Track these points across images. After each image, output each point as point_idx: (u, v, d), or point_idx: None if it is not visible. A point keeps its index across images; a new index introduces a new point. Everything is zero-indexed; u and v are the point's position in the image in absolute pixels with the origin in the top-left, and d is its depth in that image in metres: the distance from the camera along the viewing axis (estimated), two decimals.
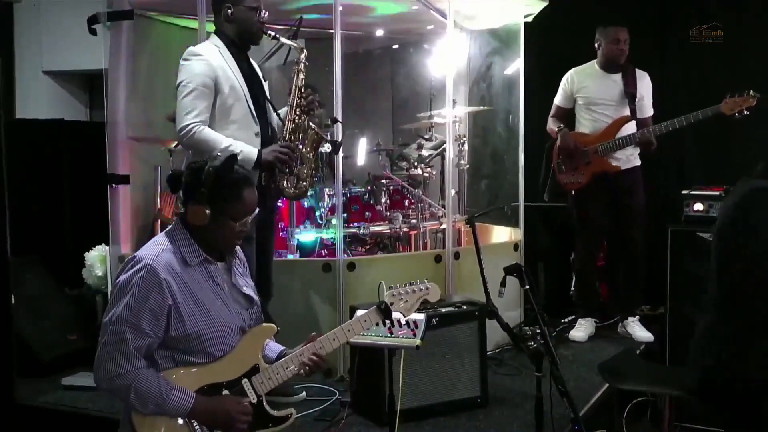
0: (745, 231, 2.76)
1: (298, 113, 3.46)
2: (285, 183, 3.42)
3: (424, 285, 2.54)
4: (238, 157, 3.12)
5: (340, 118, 3.89)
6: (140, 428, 2.26)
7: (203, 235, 2.37)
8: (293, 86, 3.47)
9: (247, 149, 3.27)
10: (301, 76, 3.48)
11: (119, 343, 2.22)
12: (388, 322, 2.68)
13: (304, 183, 3.46)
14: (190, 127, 3.21)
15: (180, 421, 2.28)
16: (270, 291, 3.59)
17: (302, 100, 3.46)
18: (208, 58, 3.29)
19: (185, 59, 3.30)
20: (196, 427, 2.29)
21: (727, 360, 2.72)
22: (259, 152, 3.30)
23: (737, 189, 2.91)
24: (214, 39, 3.39)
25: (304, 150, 3.46)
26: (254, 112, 3.38)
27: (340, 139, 3.80)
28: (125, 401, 2.26)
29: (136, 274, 2.25)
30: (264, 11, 3.41)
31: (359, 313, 2.51)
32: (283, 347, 2.55)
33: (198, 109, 3.22)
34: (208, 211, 2.31)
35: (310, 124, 3.50)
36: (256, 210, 2.44)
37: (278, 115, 3.57)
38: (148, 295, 2.23)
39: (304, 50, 3.53)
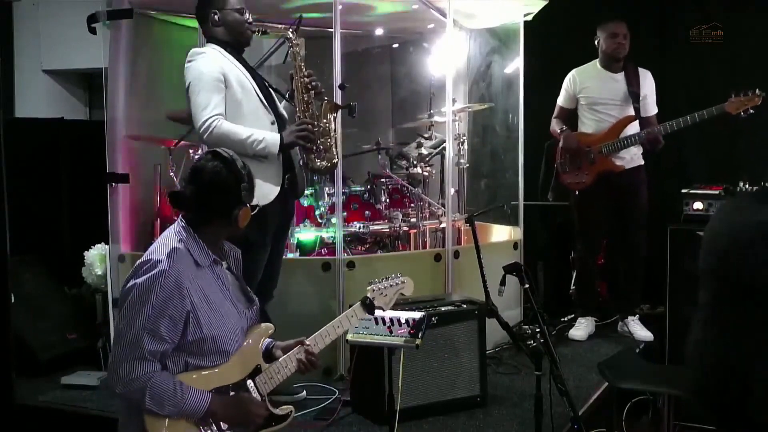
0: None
1: (304, 92, 3.47)
2: (313, 158, 3.44)
3: (399, 279, 2.63)
4: (262, 145, 3.21)
5: (339, 118, 3.88)
6: (151, 429, 2.25)
7: (223, 232, 2.41)
8: (295, 68, 3.48)
9: (270, 136, 3.29)
10: (299, 57, 3.49)
11: (135, 348, 2.20)
12: (387, 321, 2.70)
13: (331, 154, 3.48)
14: (210, 122, 3.21)
15: (191, 422, 2.28)
16: (272, 293, 3.59)
17: (305, 78, 3.46)
18: (211, 55, 3.32)
19: (190, 60, 3.31)
20: (205, 429, 2.29)
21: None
22: (281, 136, 3.33)
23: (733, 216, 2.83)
24: (209, 44, 3.42)
25: (323, 122, 3.47)
26: (266, 103, 3.40)
27: (353, 103, 3.76)
28: (140, 404, 2.23)
29: (155, 279, 2.22)
30: (247, 11, 3.44)
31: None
32: (271, 339, 2.57)
33: (213, 102, 3.23)
34: (250, 208, 2.39)
35: (323, 97, 3.52)
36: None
37: (287, 99, 3.58)
38: (167, 301, 2.22)
39: (295, 32, 3.52)
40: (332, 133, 3.50)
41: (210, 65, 3.28)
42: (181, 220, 2.40)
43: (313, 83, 3.47)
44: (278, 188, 3.35)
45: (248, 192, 2.39)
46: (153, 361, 2.23)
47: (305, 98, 3.46)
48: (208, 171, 2.36)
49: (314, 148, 3.42)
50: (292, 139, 3.34)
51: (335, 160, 3.52)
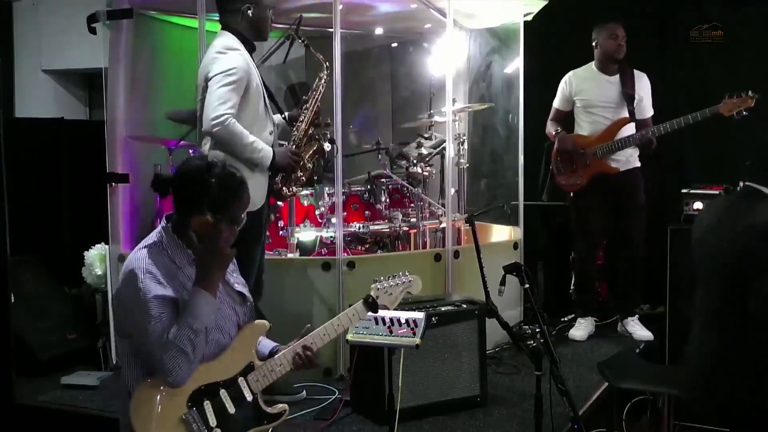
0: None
1: (309, 125, 3.58)
2: (280, 184, 3.53)
3: (406, 277, 2.59)
4: (260, 154, 3.28)
5: (339, 117, 3.92)
6: (138, 428, 2.26)
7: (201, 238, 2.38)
8: (313, 97, 3.59)
9: (266, 149, 3.35)
10: (321, 88, 3.61)
11: (159, 339, 2.23)
12: (387, 321, 2.70)
13: (296, 187, 3.61)
14: (225, 117, 3.21)
15: (178, 421, 2.28)
16: (262, 290, 3.60)
17: (317, 115, 3.60)
18: (245, 56, 3.33)
19: (221, 51, 3.30)
20: (194, 427, 2.29)
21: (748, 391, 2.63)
22: (274, 153, 3.37)
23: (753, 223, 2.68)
24: (230, 35, 3.39)
25: (304, 158, 3.59)
26: (269, 112, 3.45)
27: (334, 156, 3.93)
28: (196, 353, 2.26)
29: (135, 284, 2.25)
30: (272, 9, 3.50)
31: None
32: (276, 344, 2.57)
33: (233, 101, 3.24)
34: (212, 219, 2.32)
35: (317, 136, 3.65)
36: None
37: (284, 118, 3.63)
38: (151, 292, 2.24)
39: (329, 67, 3.66)
40: (306, 172, 3.62)
41: (242, 65, 3.28)
42: (164, 221, 2.42)
43: (320, 119, 3.61)
44: (263, 202, 3.42)
45: (215, 204, 2.31)
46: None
47: (308, 130, 3.57)
48: (188, 166, 2.41)
49: (290, 176, 3.52)
50: (284, 162, 3.44)
51: (294, 193, 3.66)
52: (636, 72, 4.61)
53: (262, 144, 3.32)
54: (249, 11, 3.37)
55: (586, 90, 4.64)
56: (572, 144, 4.60)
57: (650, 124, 4.56)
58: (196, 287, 2.29)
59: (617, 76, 4.59)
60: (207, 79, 3.27)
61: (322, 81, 3.63)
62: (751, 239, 2.54)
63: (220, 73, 3.24)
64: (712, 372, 2.67)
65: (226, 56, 3.28)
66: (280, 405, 2.47)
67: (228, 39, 3.37)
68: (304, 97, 3.63)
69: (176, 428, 2.28)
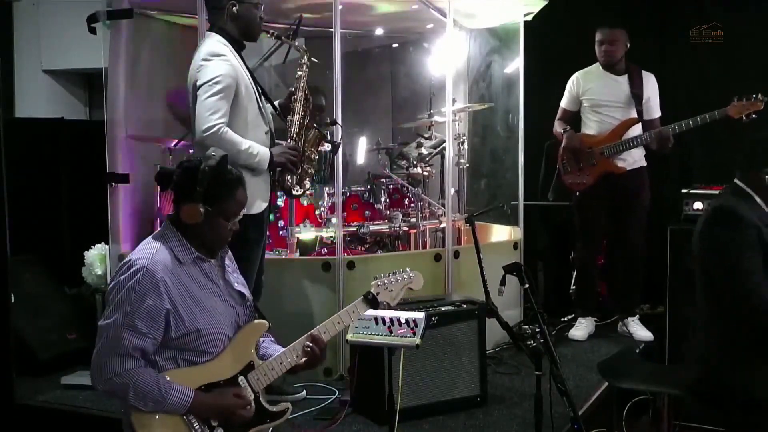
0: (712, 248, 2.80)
1: (302, 114, 3.52)
2: (291, 182, 3.49)
3: (407, 273, 2.59)
4: (256, 159, 3.24)
5: (339, 117, 3.91)
6: (139, 429, 2.27)
7: (195, 233, 2.39)
8: (298, 88, 3.52)
9: (263, 152, 3.31)
10: (304, 80, 3.53)
11: (116, 344, 2.23)
12: (387, 321, 2.70)
13: (307, 182, 3.54)
14: (217, 127, 3.17)
15: (179, 420, 2.29)
16: (261, 290, 3.59)
17: (308, 102, 3.53)
18: (230, 59, 3.28)
19: (206, 59, 3.25)
20: (196, 426, 2.29)
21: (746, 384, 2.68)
22: (271, 153, 3.34)
23: (707, 209, 2.97)
24: (219, 38, 3.34)
25: (307, 150, 3.53)
26: (263, 111, 3.42)
27: (339, 140, 3.87)
28: (124, 400, 2.26)
29: (132, 276, 2.26)
30: (262, 7, 3.44)
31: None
32: (279, 347, 2.56)
33: (223, 109, 3.20)
34: (202, 210, 2.32)
35: (313, 124, 3.58)
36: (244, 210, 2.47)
37: (275, 107, 3.59)
38: (145, 297, 2.25)
39: (307, 52, 3.57)
40: (313, 163, 3.58)
41: (228, 70, 3.23)
42: (168, 220, 2.43)
43: (310, 104, 3.55)
44: (266, 203, 3.39)
45: (206, 195, 2.32)
46: (136, 357, 2.25)
47: (300, 120, 3.51)
48: (189, 160, 2.46)
49: (295, 171, 3.48)
50: (282, 160, 3.38)
51: (307, 188, 3.59)
52: (644, 72, 4.60)
53: (257, 148, 3.28)
54: (234, 8, 3.32)
55: (593, 89, 4.64)
56: (579, 142, 4.60)
57: (658, 125, 4.55)
58: (192, 398, 2.28)
59: (625, 76, 4.58)
60: (195, 88, 3.25)
61: (304, 67, 3.54)
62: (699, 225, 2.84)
63: (206, 82, 3.20)
64: (712, 367, 2.72)
65: (211, 63, 3.23)
66: (283, 404, 2.47)
67: (213, 43, 3.32)
68: (290, 89, 3.57)
69: (177, 427, 2.29)
